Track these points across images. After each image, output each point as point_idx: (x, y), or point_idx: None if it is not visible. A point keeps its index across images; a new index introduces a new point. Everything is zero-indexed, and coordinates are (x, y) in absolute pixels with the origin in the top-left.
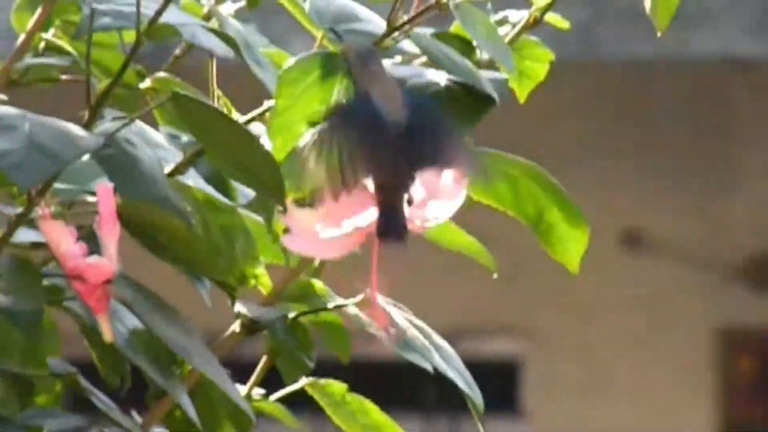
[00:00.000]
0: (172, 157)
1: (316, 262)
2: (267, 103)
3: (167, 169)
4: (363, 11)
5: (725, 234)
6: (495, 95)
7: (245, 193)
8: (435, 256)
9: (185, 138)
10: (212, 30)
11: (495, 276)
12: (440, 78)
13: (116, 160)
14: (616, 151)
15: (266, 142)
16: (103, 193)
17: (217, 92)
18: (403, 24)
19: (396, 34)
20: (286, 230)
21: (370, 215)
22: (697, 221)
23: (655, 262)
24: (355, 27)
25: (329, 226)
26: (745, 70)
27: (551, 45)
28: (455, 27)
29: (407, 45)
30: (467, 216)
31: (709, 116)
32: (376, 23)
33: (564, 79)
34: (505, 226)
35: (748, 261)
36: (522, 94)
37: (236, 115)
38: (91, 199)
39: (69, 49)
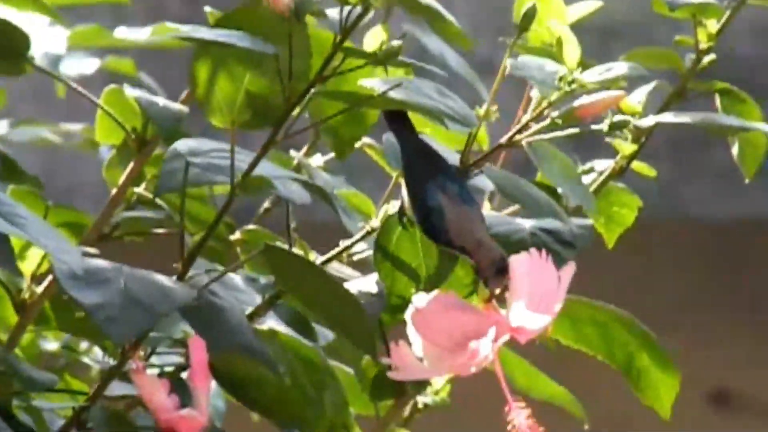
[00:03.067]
0: (251, 300)
1: (406, 412)
2: (343, 243)
3: (247, 312)
4: (436, 149)
5: None
6: (577, 241)
7: (326, 334)
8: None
9: (263, 280)
10: (303, 182)
11: (586, 427)
12: (525, 224)
13: (200, 312)
14: (710, 309)
15: (352, 287)
16: (196, 346)
17: (295, 236)
18: (475, 162)
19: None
20: (392, 367)
21: (472, 335)
22: None
23: (745, 422)
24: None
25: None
26: None
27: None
28: (540, 176)
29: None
30: (564, 369)
31: None
32: (449, 160)
33: (653, 240)
34: (595, 381)
35: None
36: (610, 239)
37: (313, 255)
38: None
39: (160, 202)
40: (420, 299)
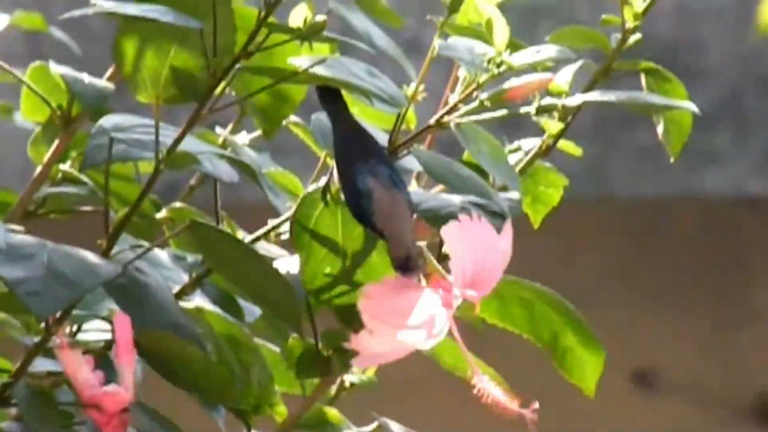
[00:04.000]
0: (178, 278)
1: (332, 391)
2: (271, 222)
3: (174, 290)
4: (368, 131)
5: (737, 372)
6: (506, 211)
7: (252, 310)
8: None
9: (190, 258)
10: (229, 158)
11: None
12: (455, 199)
13: (127, 290)
14: (633, 288)
15: (280, 266)
16: (120, 323)
17: (222, 213)
18: (403, 143)
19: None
20: (354, 355)
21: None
22: (709, 360)
23: (667, 401)
24: None
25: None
26: (756, 207)
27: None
28: (467, 155)
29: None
30: (486, 347)
31: (722, 254)
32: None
33: (576, 216)
34: (520, 360)
35: (759, 399)
36: (536, 219)
37: (241, 234)
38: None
39: (85, 180)
40: (367, 289)
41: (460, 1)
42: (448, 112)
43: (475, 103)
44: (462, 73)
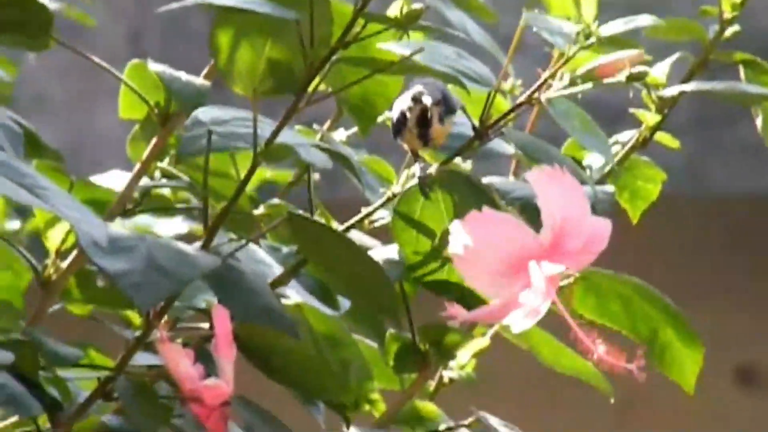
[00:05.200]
0: (273, 271)
1: (431, 386)
2: (364, 210)
3: (269, 281)
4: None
5: None
6: (598, 205)
7: (344, 303)
8: (542, 388)
9: (285, 250)
10: (327, 150)
11: (612, 401)
12: None
13: (223, 278)
14: (735, 286)
15: (376, 256)
16: (220, 316)
17: (317, 201)
18: (494, 122)
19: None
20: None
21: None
22: None
23: None
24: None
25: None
26: None
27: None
28: (565, 147)
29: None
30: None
31: None
32: (467, 125)
33: (675, 212)
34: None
35: None
36: (635, 214)
37: (335, 224)
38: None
39: (184, 177)
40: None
41: None
42: (539, 89)
43: (566, 80)
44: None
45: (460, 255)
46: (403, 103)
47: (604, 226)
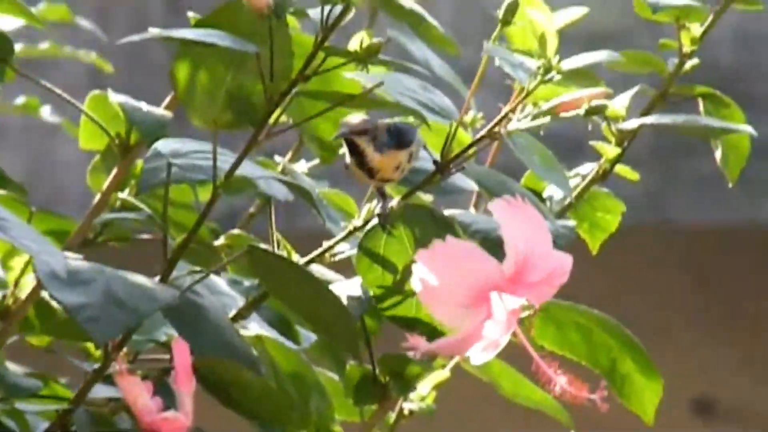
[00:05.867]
0: (235, 303)
1: (391, 419)
2: (326, 244)
3: (231, 314)
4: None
5: None
6: (559, 239)
7: (309, 337)
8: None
9: (247, 283)
10: (287, 183)
11: None
12: None
13: (183, 312)
14: (687, 317)
15: (337, 290)
16: (179, 348)
17: (277, 236)
18: (454, 157)
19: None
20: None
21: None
22: None
23: (726, 429)
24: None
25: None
26: None
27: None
28: (525, 179)
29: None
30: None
31: None
32: (428, 159)
33: (635, 244)
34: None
35: None
36: (594, 245)
37: (296, 257)
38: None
39: (144, 207)
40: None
41: (512, 12)
42: (500, 123)
43: (527, 113)
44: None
45: (423, 284)
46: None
47: (565, 260)
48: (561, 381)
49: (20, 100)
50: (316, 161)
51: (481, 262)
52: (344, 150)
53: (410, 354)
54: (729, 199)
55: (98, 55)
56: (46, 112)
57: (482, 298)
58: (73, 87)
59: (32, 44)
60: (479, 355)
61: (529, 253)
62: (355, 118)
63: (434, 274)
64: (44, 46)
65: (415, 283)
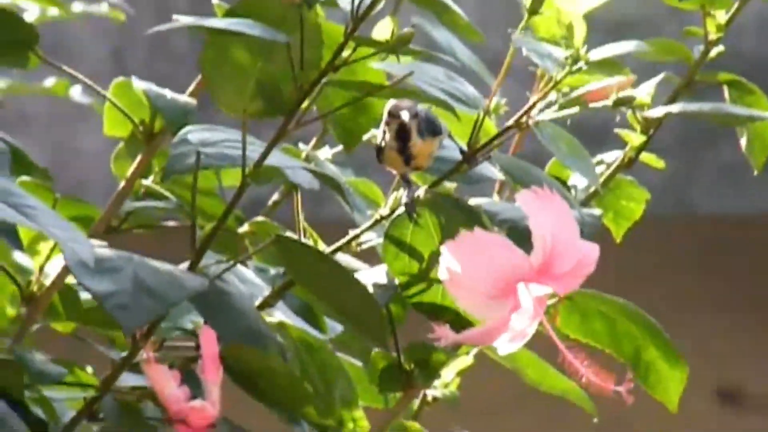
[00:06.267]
0: (261, 291)
1: (415, 405)
2: (351, 232)
3: (257, 302)
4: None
5: None
6: (585, 228)
7: (334, 327)
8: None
9: (273, 271)
10: (314, 171)
11: (595, 420)
12: None
13: (209, 299)
14: (710, 306)
15: (363, 279)
16: (207, 338)
17: (303, 224)
18: (482, 147)
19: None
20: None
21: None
22: None
23: (752, 418)
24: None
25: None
26: None
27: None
28: (550, 167)
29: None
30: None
31: None
32: (454, 148)
33: (659, 232)
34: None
35: None
36: (618, 233)
37: (322, 246)
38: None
39: (168, 195)
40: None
41: (541, 1)
42: (527, 112)
43: (554, 103)
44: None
45: (450, 275)
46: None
47: (592, 250)
48: (587, 372)
49: (49, 82)
50: (340, 148)
51: (508, 253)
52: (379, 135)
53: (436, 343)
54: (751, 188)
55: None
56: (76, 93)
57: (509, 289)
58: (97, 74)
59: (57, 31)
60: (506, 345)
61: (557, 244)
62: (403, 101)
63: (461, 265)
64: (53, 13)
65: (441, 273)
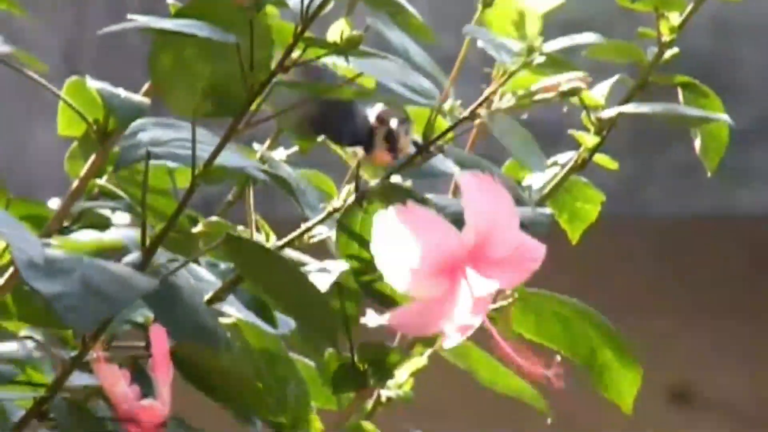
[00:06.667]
0: (212, 287)
1: (369, 405)
2: (303, 226)
3: (206, 297)
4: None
5: None
6: (534, 227)
7: (287, 321)
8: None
9: (223, 266)
10: (266, 172)
11: (549, 421)
12: None
13: (158, 294)
14: (664, 307)
15: (315, 279)
16: (157, 335)
17: (257, 220)
18: (435, 139)
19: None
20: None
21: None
22: (746, 378)
23: (705, 418)
24: None
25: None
26: None
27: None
28: (506, 168)
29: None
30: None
31: (759, 272)
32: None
33: (613, 234)
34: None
35: None
36: (574, 235)
37: (273, 238)
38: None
39: (122, 195)
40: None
41: None
42: (481, 105)
43: (509, 97)
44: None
45: (380, 248)
46: (362, 122)
47: (537, 247)
48: (517, 357)
49: None
50: (295, 149)
51: (440, 229)
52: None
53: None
54: (705, 189)
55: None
56: None
57: (442, 269)
58: (50, 73)
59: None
60: (449, 338)
61: (492, 227)
62: (377, 107)
63: (392, 238)
64: None
65: (373, 248)
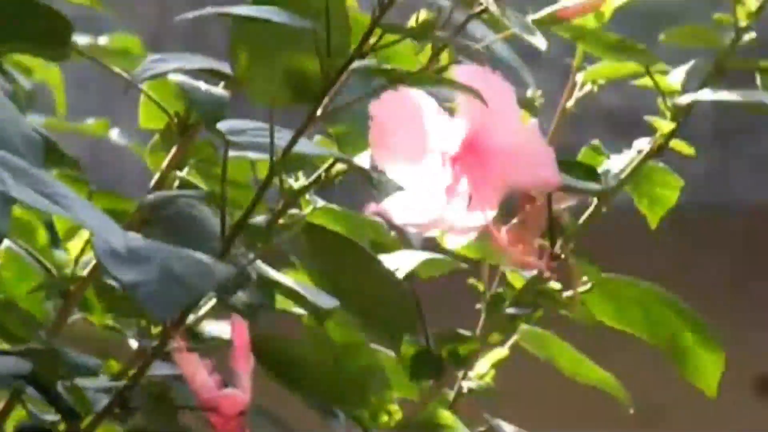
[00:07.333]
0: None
1: (451, 395)
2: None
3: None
4: None
5: None
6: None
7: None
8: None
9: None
10: (345, 160)
11: (631, 411)
12: None
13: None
14: (746, 295)
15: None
16: (237, 326)
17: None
18: None
19: None
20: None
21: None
22: None
23: None
24: None
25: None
26: None
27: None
28: (581, 155)
29: None
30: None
31: None
32: None
33: (696, 222)
34: (637, 364)
35: None
36: (654, 220)
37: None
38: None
39: (203, 187)
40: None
41: None
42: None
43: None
44: (579, 77)
45: (373, 134)
46: None
47: (545, 150)
48: (512, 248)
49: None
50: None
51: (432, 112)
52: None
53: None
54: None
55: (157, 35)
56: (114, 134)
57: (436, 156)
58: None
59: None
60: (452, 238)
61: (487, 115)
62: None
63: (383, 123)
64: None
65: (369, 135)
